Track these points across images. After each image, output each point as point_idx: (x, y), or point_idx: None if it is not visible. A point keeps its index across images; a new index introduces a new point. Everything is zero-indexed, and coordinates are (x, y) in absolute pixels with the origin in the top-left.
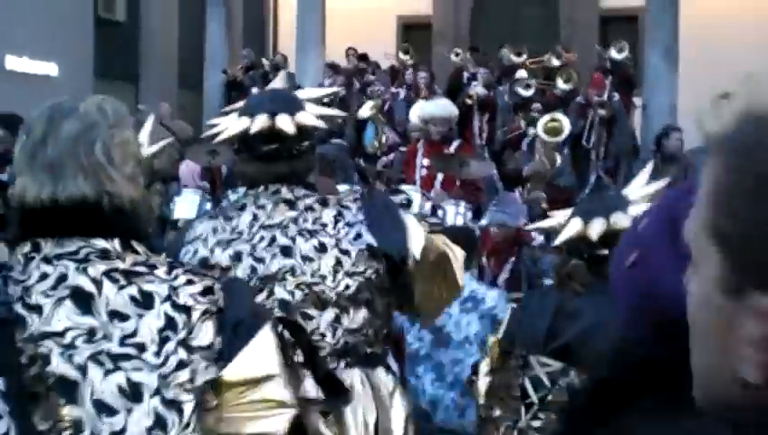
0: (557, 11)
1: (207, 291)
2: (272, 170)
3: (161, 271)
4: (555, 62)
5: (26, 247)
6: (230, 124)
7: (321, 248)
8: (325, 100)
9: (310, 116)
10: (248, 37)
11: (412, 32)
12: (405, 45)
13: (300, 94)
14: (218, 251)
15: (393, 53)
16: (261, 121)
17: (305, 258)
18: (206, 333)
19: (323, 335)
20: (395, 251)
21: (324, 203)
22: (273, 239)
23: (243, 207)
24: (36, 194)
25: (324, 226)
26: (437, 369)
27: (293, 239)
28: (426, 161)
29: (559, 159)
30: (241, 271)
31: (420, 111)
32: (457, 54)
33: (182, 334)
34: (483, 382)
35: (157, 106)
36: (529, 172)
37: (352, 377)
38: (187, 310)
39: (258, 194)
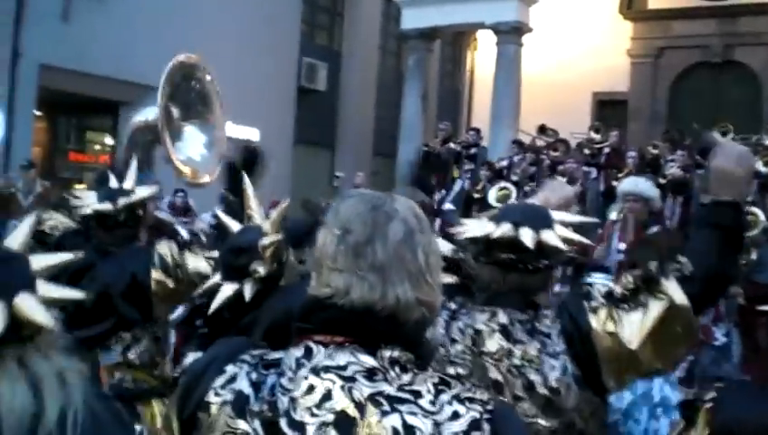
0: (760, 89)
1: (474, 426)
2: (505, 279)
3: (426, 400)
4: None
5: (299, 352)
6: (475, 226)
7: (530, 386)
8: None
9: (554, 236)
10: (443, 109)
11: (607, 108)
12: (597, 124)
13: (554, 215)
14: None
15: (581, 133)
16: (503, 229)
17: (516, 397)
18: None
19: None
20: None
21: (533, 332)
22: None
23: (463, 331)
24: (363, 295)
25: (530, 361)
26: None
27: (505, 376)
28: (622, 246)
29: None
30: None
31: (619, 186)
32: (656, 147)
33: None
34: None
35: (352, 172)
36: None
37: None
38: None
39: (474, 315)
